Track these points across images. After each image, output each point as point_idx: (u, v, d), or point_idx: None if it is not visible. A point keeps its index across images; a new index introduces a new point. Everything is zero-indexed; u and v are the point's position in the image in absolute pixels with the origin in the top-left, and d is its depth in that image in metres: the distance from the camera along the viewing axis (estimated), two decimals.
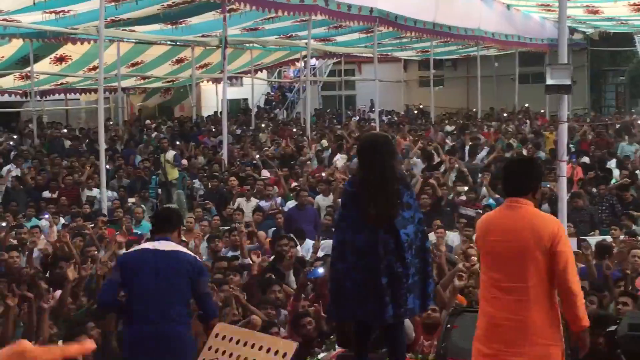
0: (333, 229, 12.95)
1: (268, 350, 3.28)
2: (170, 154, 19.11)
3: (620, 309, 7.72)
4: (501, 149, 20.44)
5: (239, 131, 27.51)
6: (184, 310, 6.38)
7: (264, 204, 15.70)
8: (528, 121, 29.03)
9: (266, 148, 21.82)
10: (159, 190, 18.51)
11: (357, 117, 36.51)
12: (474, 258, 9.34)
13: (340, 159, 19.94)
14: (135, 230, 13.64)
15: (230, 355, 3.39)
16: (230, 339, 3.47)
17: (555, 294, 5.31)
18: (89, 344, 2.02)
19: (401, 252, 6.05)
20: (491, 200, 15.81)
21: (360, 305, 6.17)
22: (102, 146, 15.54)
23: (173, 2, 17.94)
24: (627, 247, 11.14)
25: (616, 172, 17.49)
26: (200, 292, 6.43)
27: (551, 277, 5.22)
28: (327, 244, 12.49)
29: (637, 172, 17.57)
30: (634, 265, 10.05)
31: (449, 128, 27.30)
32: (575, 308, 5.24)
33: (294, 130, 27.13)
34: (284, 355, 3.21)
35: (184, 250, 6.83)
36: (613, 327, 6.83)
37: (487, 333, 5.36)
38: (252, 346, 3.37)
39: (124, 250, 11.31)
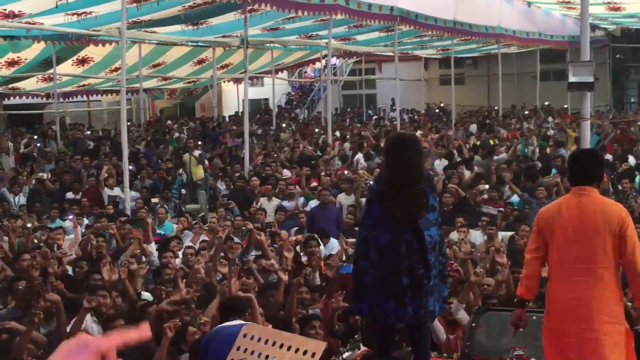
0: (356, 228, 13.06)
1: (297, 350, 3.29)
2: (196, 153, 19.20)
3: None
4: (516, 147, 20.46)
5: (260, 131, 27.59)
6: None
7: (286, 203, 15.76)
8: (551, 118, 28.96)
9: (285, 149, 21.84)
10: (182, 191, 18.60)
11: (376, 117, 36.49)
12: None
13: (361, 158, 19.99)
14: (158, 231, 13.71)
15: (259, 355, 3.41)
16: (259, 339, 3.49)
17: (619, 276, 5.64)
18: (147, 330, 2.01)
19: (424, 254, 6.11)
20: (515, 197, 15.80)
21: (380, 304, 6.23)
22: (125, 147, 15.59)
23: (194, 3, 18.00)
24: None
25: None
26: None
27: (617, 259, 5.57)
28: (351, 243, 12.56)
29: None
30: None
31: (473, 127, 27.26)
32: None
33: (316, 130, 27.21)
34: (313, 355, 3.22)
35: None
36: None
37: (559, 313, 5.70)
38: (281, 346, 3.38)
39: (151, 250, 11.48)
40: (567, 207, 5.81)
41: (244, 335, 3.55)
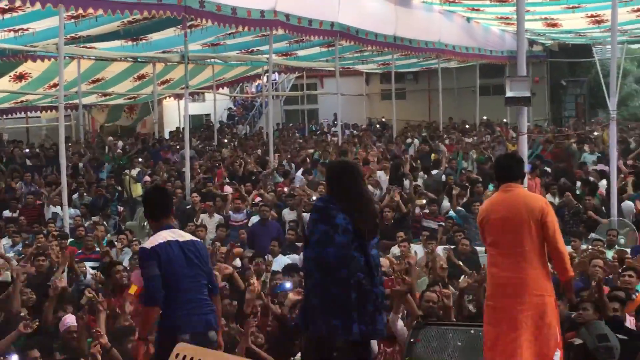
0: (297, 244, 13.06)
1: None
2: (134, 171, 19.05)
3: (582, 314, 7.85)
4: (454, 160, 20.74)
5: (201, 146, 27.45)
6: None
7: (235, 215, 15.77)
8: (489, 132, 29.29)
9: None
10: (120, 208, 18.43)
11: (318, 132, 36.51)
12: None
13: (298, 174, 20.07)
14: (97, 249, 13.55)
15: None
16: (191, 359, 3.45)
17: (545, 255, 6.67)
18: None
19: (371, 270, 6.28)
20: (452, 212, 15.93)
21: (326, 321, 6.23)
22: (63, 164, 15.41)
23: (133, 19, 17.84)
24: (588, 257, 11.24)
25: (603, 183, 17.51)
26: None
27: (542, 242, 6.61)
28: (292, 259, 12.54)
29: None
30: (593, 275, 10.15)
31: (412, 142, 27.40)
32: (563, 262, 6.67)
33: (259, 142, 27.17)
34: None
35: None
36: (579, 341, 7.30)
37: (495, 291, 6.69)
38: None
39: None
40: (498, 202, 6.89)
41: (176, 356, 3.50)
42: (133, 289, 7.43)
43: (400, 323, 7.84)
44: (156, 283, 6.47)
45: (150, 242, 6.66)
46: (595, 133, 27.38)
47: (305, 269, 6.64)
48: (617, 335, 7.29)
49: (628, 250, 12.83)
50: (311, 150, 23.86)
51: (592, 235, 13.87)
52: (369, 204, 6.60)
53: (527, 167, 13.93)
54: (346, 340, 6.34)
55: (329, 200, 6.49)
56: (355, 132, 34.40)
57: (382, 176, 19.05)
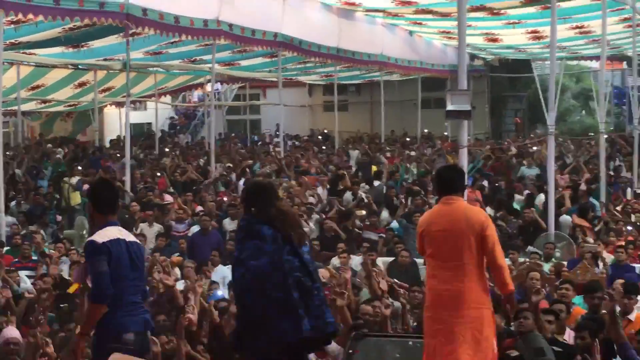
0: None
1: None
2: (74, 180, 18.83)
3: (522, 322, 7.94)
4: (397, 173, 20.87)
5: (142, 155, 27.24)
6: None
7: (177, 225, 15.66)
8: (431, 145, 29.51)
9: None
10: (58, 217, 18.20)
11: (261, 143, 36.47)
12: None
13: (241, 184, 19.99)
14: (34, 257, 13.37)
15: None
16: None
17: (484, 268, 6.71)
18: None
19: (307, 268, 6.41)
20: (395, 223, 16.02)
21: (275, 327, 6.27)
22: (0, 170, 15.17)
23: (75, 25, 17.68)
24: (525, 270, 11.38)
25: (541, 197, 17.73)
26: None
27: (481, 255, 6.63)
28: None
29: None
30: (531, 288, 10.26)
31: (353, 153, 27.50)
32: (502, 277, 6.69)
33: (201, 152, 27.05)
34: None
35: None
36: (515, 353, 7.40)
37: (434, 303, 6.69)
38: None
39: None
40: (439, 214, 6.91)
41: None
42: (73, 288, 7.31)
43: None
44: (106, 279, 6.35)
45: (100, 236, 6.49)
46: (535, 148, 27.74)
47: (240, 288, 6.57)
48: (553, 347, 7.38)
49: (565, 263, 13.02)
50: (250, 162, 23.80)
51: (530, 248, 14.04)
52: (289, 215, 6.65)
53: (468, 180, 14.13)
54: (296, 343, 6.35)
55: (252, 219, 6.64)
56: (297, 143, 34.44)
57: (320, 190, 19.08)
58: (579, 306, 9.48)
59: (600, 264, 12.47)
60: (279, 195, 7.16)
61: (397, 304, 9.97)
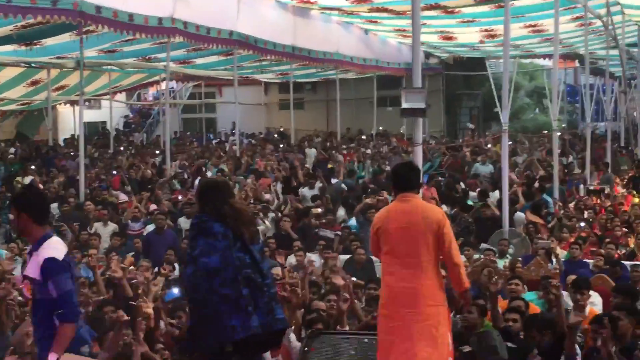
0: None
1: None
2: (27, 179, 18.63)
3: (467, 317, 8.05)
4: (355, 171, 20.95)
5: (97, 154, 27.05)
6: None
7: (133, 224, 15.57)
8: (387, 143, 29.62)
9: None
10: (11, 216, 17.96)
11: (216, 141, 36.36)
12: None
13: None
14: None
15: None
16: None
17: (439, 265, 6.73)
18: None
19: (258, 265, 6.44)
20: (352, 221, 16.05)
21: (224, 325, 6.27)
22: None
23: (27, 23, 17.50)
24: (480, 267, 11.47)
25: (495, 194, 17.88)
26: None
27: (437, 253, 6.65)
28: None
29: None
30: (490, 275, 10.36)
31: (310, 151, 27.54)
32: (459, 274, 6.73)
33: (157, 152, 26.92)
34: None
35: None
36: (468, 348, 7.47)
37: (390, 300, 6.68)
38: None
39: None
40: (395, 211, 6.89)
41: None
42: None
43: (293, 336, 7.86)
44: (75, 297, 6.28)
45: (56, 252, 6.24)
46: (489, 145, 27.98)
47: (190, 286, 6.53)
48: (507, 343, 7.45)
49: (520, 259, 13.14)
50: (204, 160, 23.73)
51: (484, 245, 14.15)
52: (242, 212, 6.65)
53: (424, 178, 14.20)
54: (246, 339, 6.34)
55: (203, 216, 6.65)
56: (253, 141, 34.41)
57: (279, 186, 19.12)
58: (532, 302, 9.55)
59: (554, 260, 12.59)
60: (232, 193, 7.15)
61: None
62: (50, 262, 6.19)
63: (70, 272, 6.28)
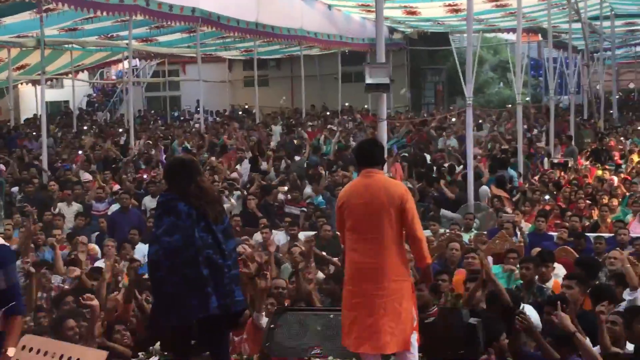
0: None
1: None
2: None
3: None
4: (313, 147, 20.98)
5: (60, 134, 26.81)
6: None
7: (97, 205, 15.44)
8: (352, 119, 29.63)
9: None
10: None
11: (181, 119, 36.19)
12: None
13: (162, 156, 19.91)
14: None
15: None
16: (38, 351, 3.35)
17: (403, 241, 6.70)
18: None
19: (220, 245, 6.43)
20: (320, 197, 16.05)
21: (184, 304, 6.31)
22: None
23: None
24: (445, 241, 11.52)
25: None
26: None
27: (400, 228, 6.61)
28: None
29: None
30: (451, 258, 10.41)
31: (275, 128, 27.49)
32: (420, 249, 6.69)
33: (120, 130, 26.74)
34: None
35: None
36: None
37: (355, 276, 6.63)
38: (61, 357, 3.27)
39: None
40: (359, 187, 6.82)
41: (23, 347, 3.40)
42: None
43: (265, 319, 7.84)
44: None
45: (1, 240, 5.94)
46: (453, 119, 28.06)
47: (152, 264, 6.52)
48: (473, 319, 7.43)
49: (485, 232, 13.22)
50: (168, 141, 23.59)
51: (444, 212, 14.22)
52: (208, 191, 6.67)
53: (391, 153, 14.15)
54: (205, 319, 6.37)
55: (169, 195, 6.69)
56: (218, 119, 34.25)
57: (245, 164, 19.06)
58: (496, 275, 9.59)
59: (518, 233, 12.67)
60: (200, 171, 7.08)
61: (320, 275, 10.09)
62: (4, 249, 5.89)
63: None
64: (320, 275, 10.31)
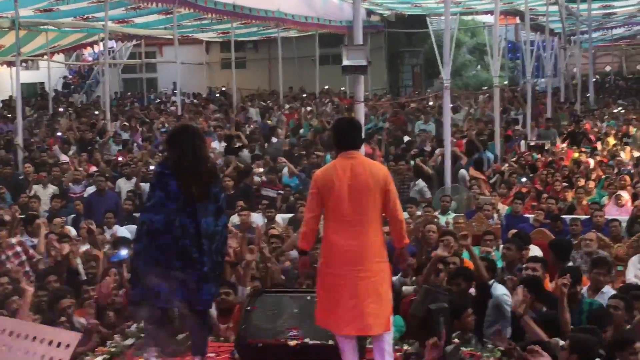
0: (135, 214, 12.86)
1: (50, 343, 3.17)
2: None
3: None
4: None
5: (36, 116, 26.63)
6: None
7: (74, 187, 15.37)
8: (330, 101, 29.59)
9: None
10: None
11: (158, 101, 36.04)
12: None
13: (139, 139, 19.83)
14: None
15: (10, 348, 3.26)
16: (11, 333, 3.33)
17: (382, 222, 6.70)
18: None
19: (200, 239, 6.35)
20: (295, 180, 16.04)
21: (152, 287, 6.28)
22: None
23: None
24: (422, 223, 11.54)
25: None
26: None
27: (381, 210, 6.60)
28: (130, 230, 12.30)
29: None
30: (428, 240, 10.42)
31: (252, 110, 27.42)
32: (401, 230, 6.73)
33: (96, 113, 26.58)
34: (67, 346, 3.12)
35: None
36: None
37: (336, 258, 6.54)
38: (33, 339, 3.25)
39: None
40: (340, 168, 6.64)
41: None
42: None
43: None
44: None
45: None
46: (430, 103, 28.08)
47: (136, 234, 6.63)
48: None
49: (463, 215, 13.28)
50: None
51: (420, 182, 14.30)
52: (203, 160, 6.62)
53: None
54: (173, 306, 6.47)
55: (165, 165, 6.66)
56: (195, 101, 34.12)
57: (218, 147, 19.02)
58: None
59: (495, 216, 12.73)
60: (201, 139, 6.88)
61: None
62: None
63: None
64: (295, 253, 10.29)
